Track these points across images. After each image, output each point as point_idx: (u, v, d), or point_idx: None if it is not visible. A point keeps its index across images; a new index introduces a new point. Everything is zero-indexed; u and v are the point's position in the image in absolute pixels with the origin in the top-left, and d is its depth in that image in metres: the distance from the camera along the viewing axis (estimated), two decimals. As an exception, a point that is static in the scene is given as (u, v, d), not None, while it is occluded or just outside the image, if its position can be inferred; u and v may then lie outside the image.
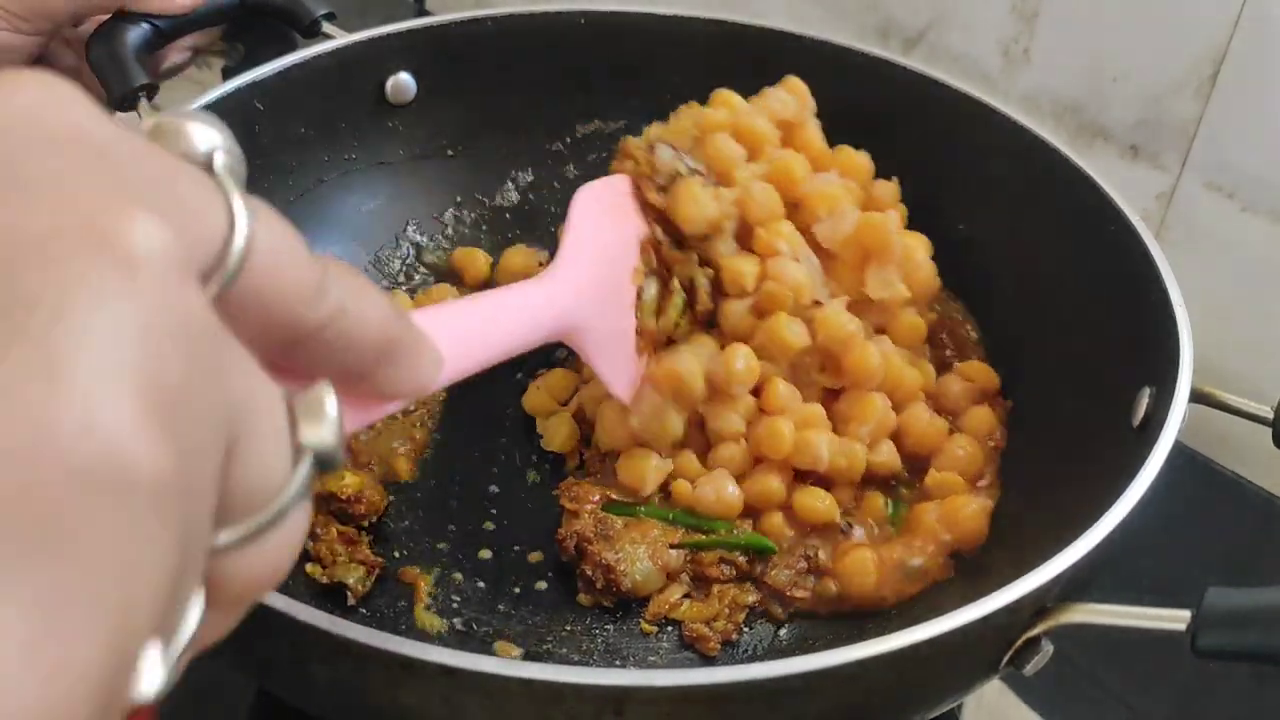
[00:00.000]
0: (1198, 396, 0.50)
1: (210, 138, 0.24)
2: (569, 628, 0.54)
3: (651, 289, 0.57)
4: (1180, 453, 0.47)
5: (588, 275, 0.53)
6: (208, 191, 0.22)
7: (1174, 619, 0.40)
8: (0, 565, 0.16)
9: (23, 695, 0.16)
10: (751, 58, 0.74)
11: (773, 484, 0.56)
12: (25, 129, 0.20)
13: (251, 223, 0.23)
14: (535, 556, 0.57)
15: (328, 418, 0.24)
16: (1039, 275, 0.65)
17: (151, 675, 0.19)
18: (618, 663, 0.52)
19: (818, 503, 0.56)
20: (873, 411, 0.57)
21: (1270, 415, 0.50)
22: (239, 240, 0.22)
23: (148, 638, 0.19)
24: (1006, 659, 0.43)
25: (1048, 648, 0.42)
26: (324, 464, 0.24)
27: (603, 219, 0.56)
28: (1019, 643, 0.42)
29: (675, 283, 0.58)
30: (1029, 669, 0.42)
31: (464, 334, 0.40)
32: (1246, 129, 0.69)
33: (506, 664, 0.37)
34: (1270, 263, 0.70)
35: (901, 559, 0.55)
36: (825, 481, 0.57)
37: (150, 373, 0.19)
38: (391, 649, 0.37)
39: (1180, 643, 0.40)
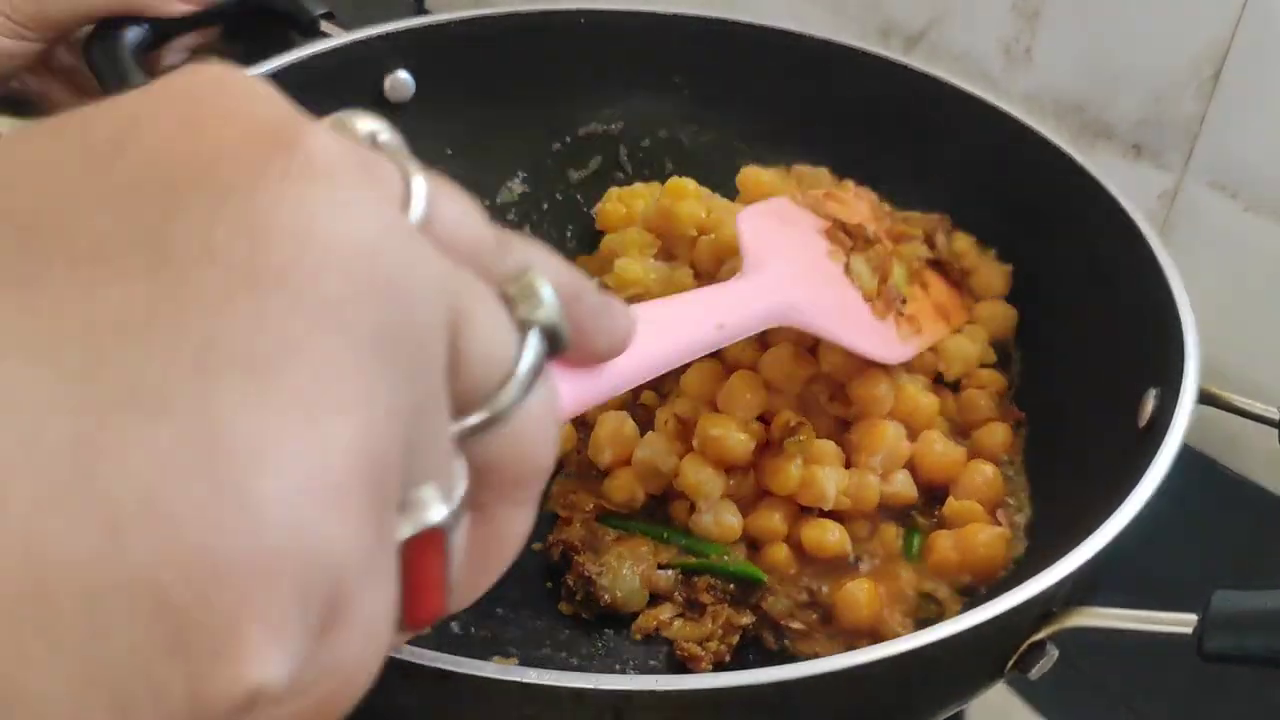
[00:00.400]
0: (1204, 398, 0.50)
1: (371, 123, 0.24)
2: (568, 632, 0.53)
3: (859, 264, 0.57)
4: (1184, 453, 0.46)
5: (781, 263, 0.53)
6: (383, 159, 0.23)
7: (1180, 623, 0.39)
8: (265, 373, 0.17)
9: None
10: (751, 57, 0.74)
11: (775, 520, 0.54)
12: (210, 99, 0.21)
13: (429, 185, 0.23)
14: (534, 561, 0.57)
15: (543, 293, 0.24)
16: (1041, 276, 0.65)
17: (435, 507, 0.20)
18: (617, 668, 0.52)
19: (826, 536, 0.53)
20: (883, 441, 0.55)
21: (1277, 416, 0.50)
22: (419, 202, 0.22)
23: (408, 472, 0.19)
24: (1011, 663, 0.42)
25: (1053, 652, 0.42)
26: (553, 339, 0.24)
27: (771, 224, 0.57)
28: (1024, 647, 0.42)
29: (881, 246, 0.58)
30: (1034, 673, 0.42)
31: (679, 319, 0.41)
32: (1250, 128, 0.69)
33: (505, 669, 0.36)
34: (1275, 262, 0.70)
35: (904, 590, 0.53)
36: (838, 513, 0.55)
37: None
38: (389, 654, 0.36)
39: (1184, 645, 0.39)
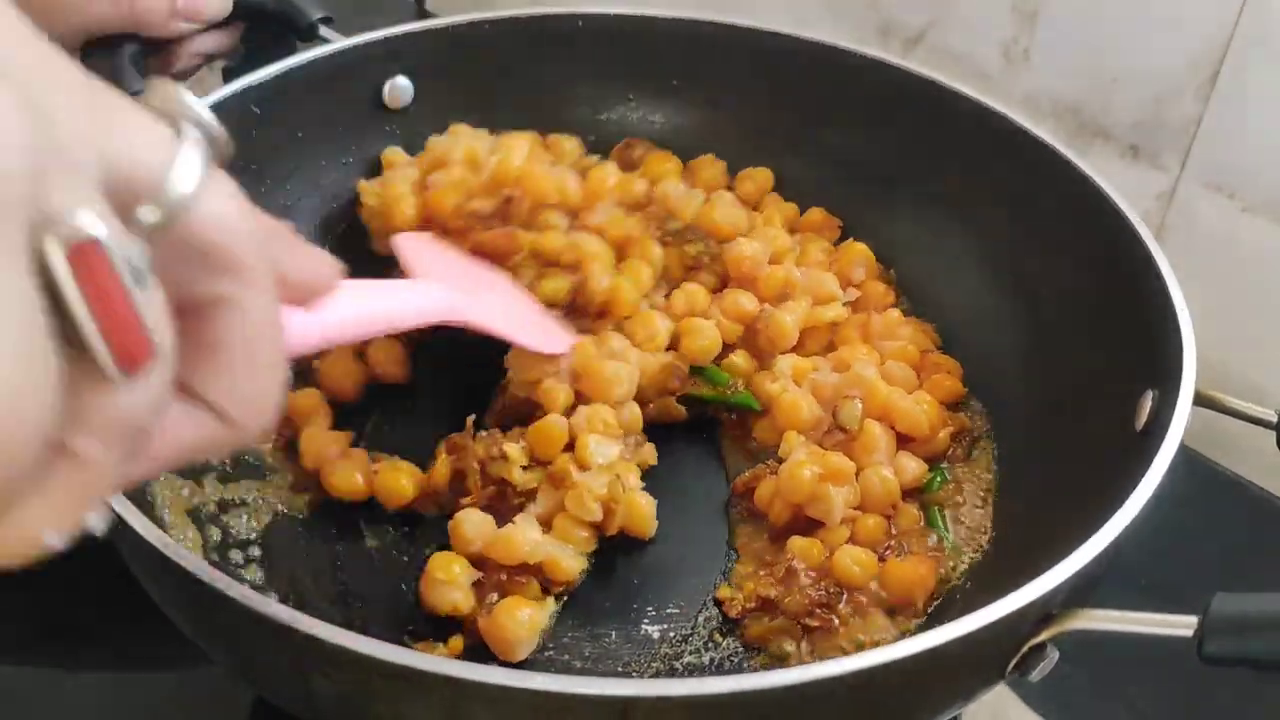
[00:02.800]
0: (1201, 400, 0.50)
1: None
2: (570, 634, 0.53)
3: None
4: (1181, 454, 0.46)
5: (440, 273, 0.62)
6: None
7: (1180, 625, 0.40)
8: None
9: None
10: (751, 59, 0.74)
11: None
12: None
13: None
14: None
15: (186, 98, 0.27)
16: (1039, 276, 0.65)
17: (87, 220, 0.23)
18: (619, 670, 0.52)
19: (853, 565, 0.54)
20: (875, 439, 0.58)
21: (1274, 419, 0.50)
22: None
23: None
24: (1012, 665, 0.42)
25: (1053, 654, 0.42)
26: (210, 140, 0.27)
27: (427, 246, 0.65)
28: (1025, 649, 0.42)
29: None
30: (1034, 675, 0.42)
31: (374, 295, 0.51)
32: (1247, 129, 0.69)
33: (511, 674, 0.37)
34: (1271, 263, 0.70)
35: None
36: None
37: None
38: (394, 660, 0.37)
39: (1183, 645, 0.39)
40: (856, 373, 0.61)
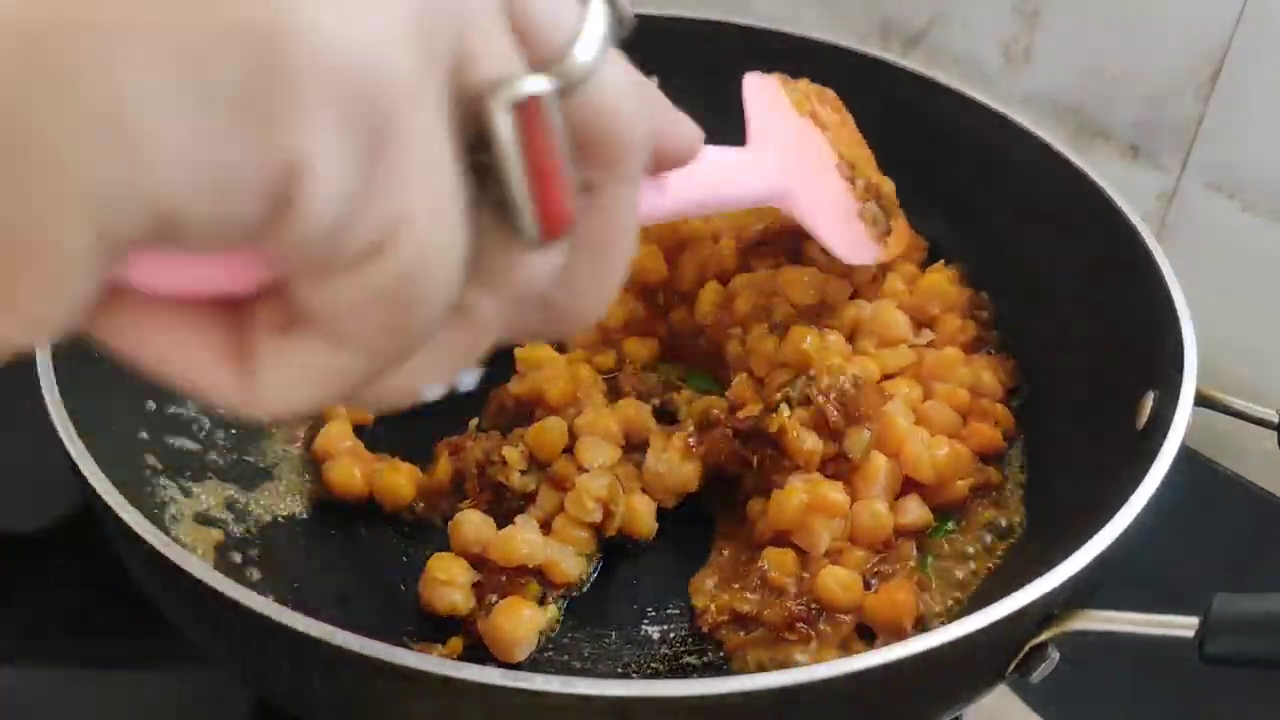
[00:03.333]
0: (1201, 400, 0.50)
1: None
2: (570, 635, 0.53)
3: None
4: (1181, 454, 0.46)
5: (783, 145, 0.59)
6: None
7: (1182, 626, 0.40)
8: None
9: None
10: (751, 59, 0.74)
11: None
12: None
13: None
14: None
15: None
16: (1039, 276, 0.65)
17: (524, 79, 0.22)
18: (619, 670, 0.52)
19: (837, 587, 0.52)
20: (876, 473, 0.56)
21: (1274, 419, 0.50)
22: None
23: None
24: (1012, 667, 0.42)
25: (1054, 655, 0.42)
26: (618, 17, 0.25)
27: (773, 99, 0.62)
28: (1025, 650, 0.42)
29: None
30: (1035, 676, 0.42)
31: (722, 164, 0.48)
32: (1247, 129, 0.69)
33: (510, 675, 0.36)
34: (1272, 263, 0.70)
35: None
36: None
37: None
38: (393, 660, 0.37)
39: (1183, 645, 0.39)
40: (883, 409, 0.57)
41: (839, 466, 0.56)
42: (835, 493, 0.54)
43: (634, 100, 0.25)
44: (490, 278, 0.24)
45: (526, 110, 0.22)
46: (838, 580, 0.52)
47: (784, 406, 0.56)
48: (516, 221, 0.23)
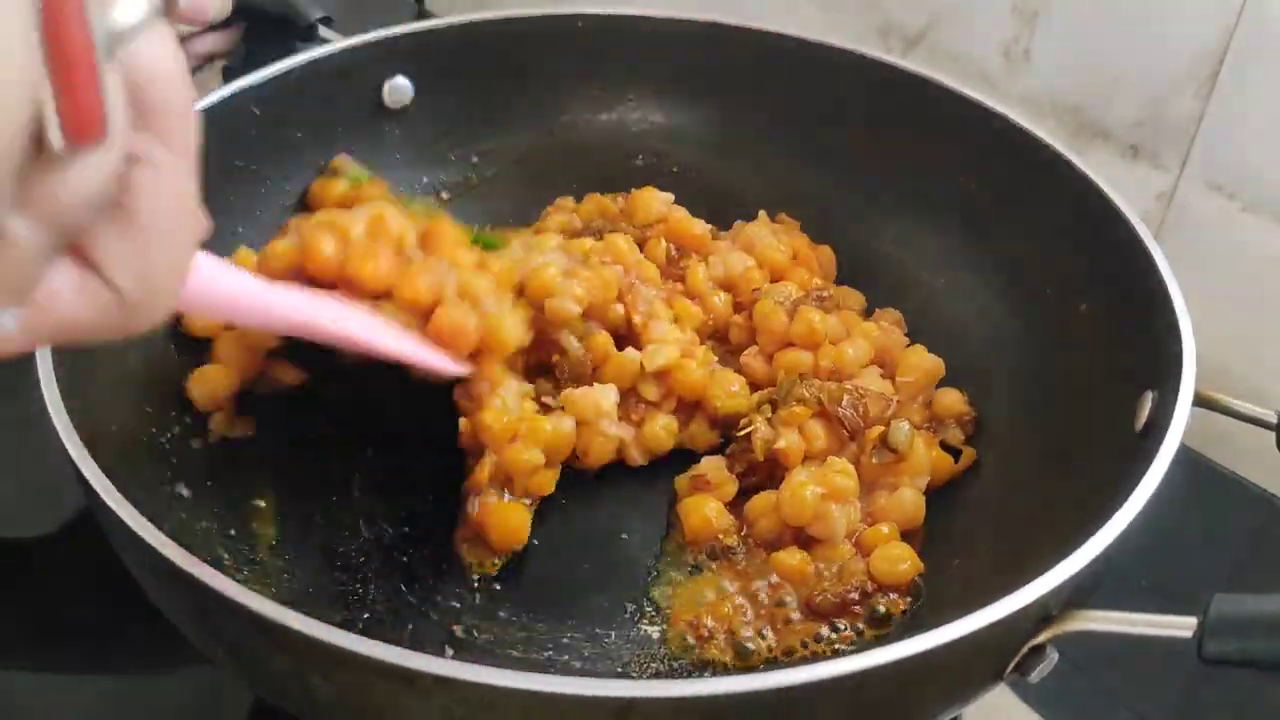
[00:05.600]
0: (1201, 400, 0.50)
1: None
2: (570, 635, 0.53)
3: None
4: (1181, 454, 0.46)
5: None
6: None
7: (1180, 626, 0.40)
8: None
9: None
10: (751, 59, 0.74)
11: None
12: None
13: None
14: (535, 564, 0.57)
15: None
16: (1039, 276, 0.65)
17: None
18: (619, 670, 0.52)
19: (898, 564, 0.54)
20: (921, 460, 0.58)
21: (1274, 419, 0.50)
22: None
23: None
24: (1011, 667, 0.42)
25: (1053, 655, 0.42)
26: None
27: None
28: (1024, 650, 0.42)
29: None
30: (1034, 676, 0.42)
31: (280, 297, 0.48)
32: (1247, 128, 0.69)
33: (508, 675, 0.36)
34: (1271, 263, 0.70)
35: None
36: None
37: None
38: (393, 661, 0.37)
39: (1182, 644, 0.39)
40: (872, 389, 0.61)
41: (884, 457, 0.58)
42: (843, 477, 0.56)
43: (176, 69, 0.28)
44: (25, 197, 0.25)
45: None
46: (889, 556, 0.54)
47: (760, 421, 0.58)
48: (45, 119, 0.24)
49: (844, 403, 0.59)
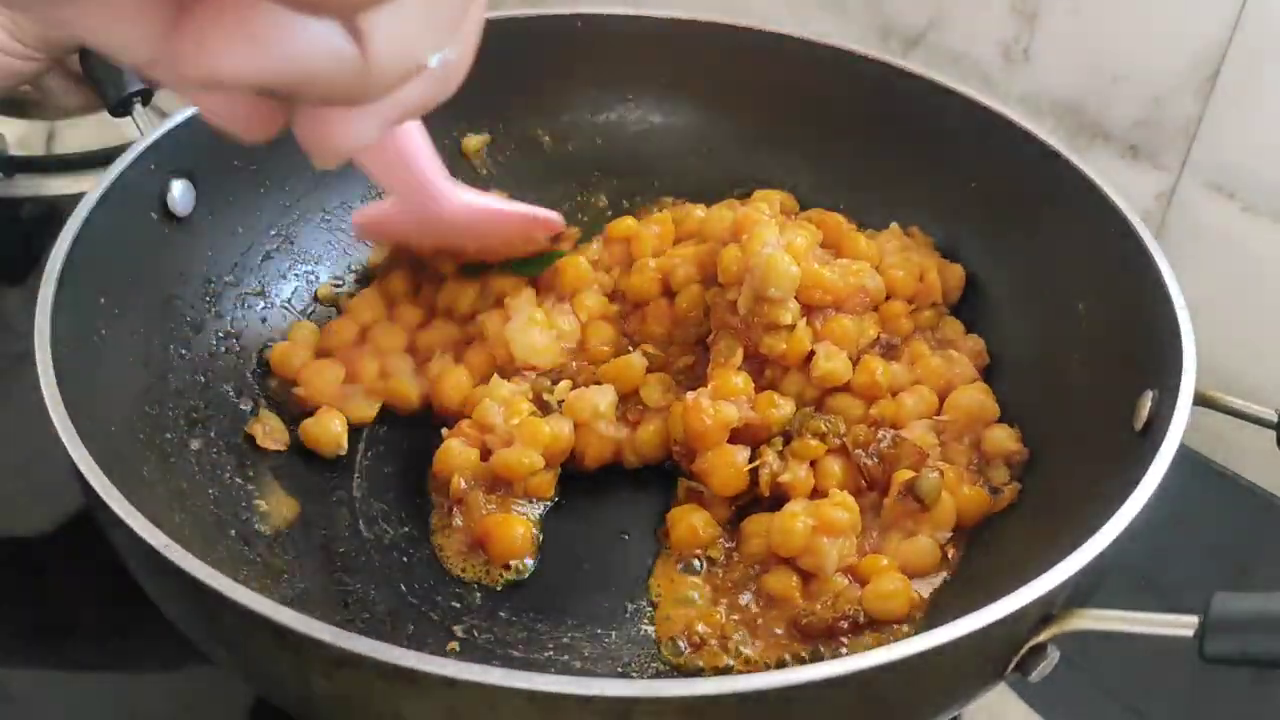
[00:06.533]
0: (1201, 400, 0.50)
1: None
2: (571, 635, 0.53)
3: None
4: (1181, 454, 0.46)
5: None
6: None
7: (1181, 625, 0.40)
8: None
9: None
10: (751, 60, 0.74)
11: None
12: None
13: None
14: (536, 565, 0.57)
15: None
16: (1038, 276, 0.65)
17: None
18: (620, 670, 0.52)
19: (893, 600, 0.52)
20: (948, 515, 0.56)
21: (1274, 419, 0.50)
22: None
23: None
24: (1012, 666, 0.42)
25: (1053, 654, 0.42)
26: None
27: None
28: (1025, 650, 0.42)
29: None
30: (1035, 675, 0.42)
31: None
32: (1247, 129, 0.69)
33: (510, 675, 0.36)
34: (1271, 263, 0.70)
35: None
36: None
37: None
38: (394, 661, 0.37)
39: (1183, 644, 0.39)
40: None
41: (907, 505, 0.56)
42: (839, 511, 0.54)
43: None
44: None
45: None
46: (884, 592, 0.52)
47: (771, 455, 0.57)
48: None
49: (870, 450, 0.57)
